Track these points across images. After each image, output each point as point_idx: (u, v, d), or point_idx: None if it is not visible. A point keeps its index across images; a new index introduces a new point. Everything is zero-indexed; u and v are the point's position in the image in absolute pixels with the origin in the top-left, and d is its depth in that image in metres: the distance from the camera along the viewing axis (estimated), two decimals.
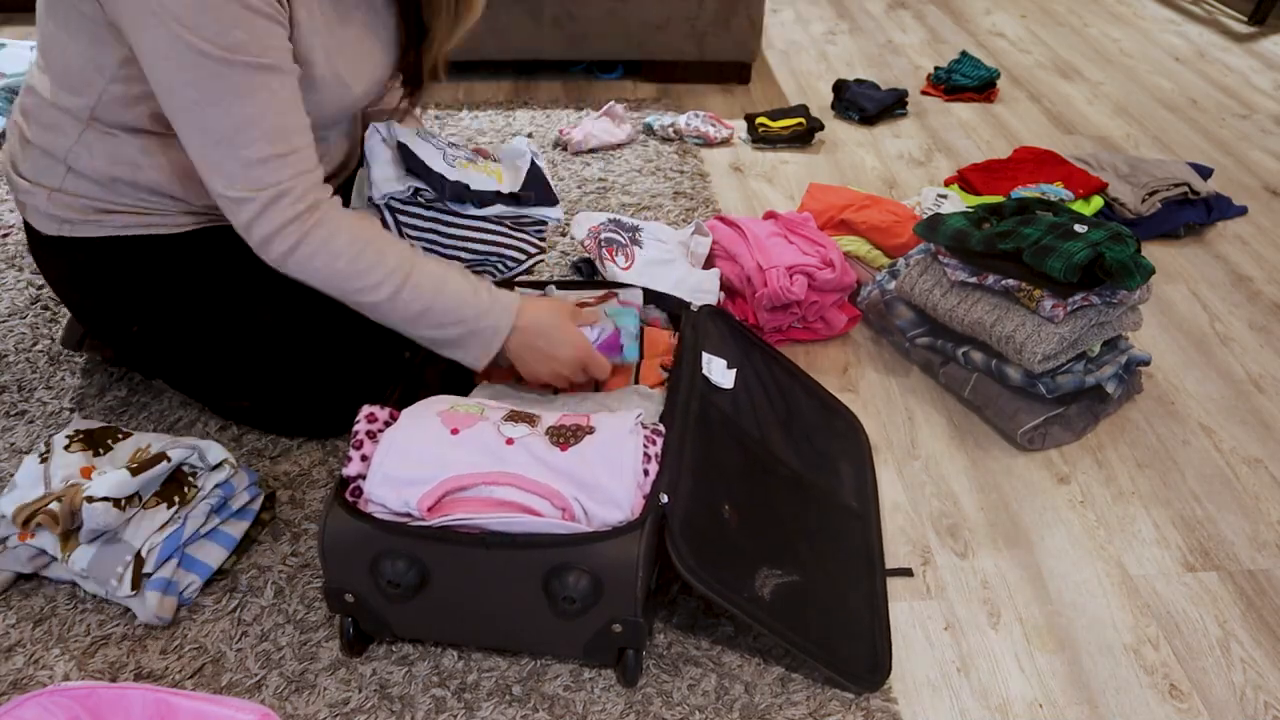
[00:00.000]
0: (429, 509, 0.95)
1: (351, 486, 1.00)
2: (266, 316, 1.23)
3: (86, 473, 1.09)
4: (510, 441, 0.98)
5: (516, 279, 1.36)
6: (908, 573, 1.17)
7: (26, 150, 1.16)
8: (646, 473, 0.99)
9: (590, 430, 0.99)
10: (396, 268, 1.09)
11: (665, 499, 0.97)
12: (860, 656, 1.04)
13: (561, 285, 1.34)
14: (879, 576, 1.15)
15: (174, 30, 0.94)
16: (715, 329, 1.28)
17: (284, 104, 1.03)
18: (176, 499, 1.08)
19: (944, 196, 1.78)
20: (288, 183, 1.03)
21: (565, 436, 0.98)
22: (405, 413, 1.03)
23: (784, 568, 1.07)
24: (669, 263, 1.54)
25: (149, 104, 1.08)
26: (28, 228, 1.22)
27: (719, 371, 1.20)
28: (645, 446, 1.01)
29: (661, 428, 1.05)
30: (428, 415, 1.01)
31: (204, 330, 1.23)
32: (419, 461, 0.96)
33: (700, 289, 1.50)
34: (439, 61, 1.27)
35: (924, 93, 2.51)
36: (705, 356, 1.20)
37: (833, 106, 2.41)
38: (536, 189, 1.35)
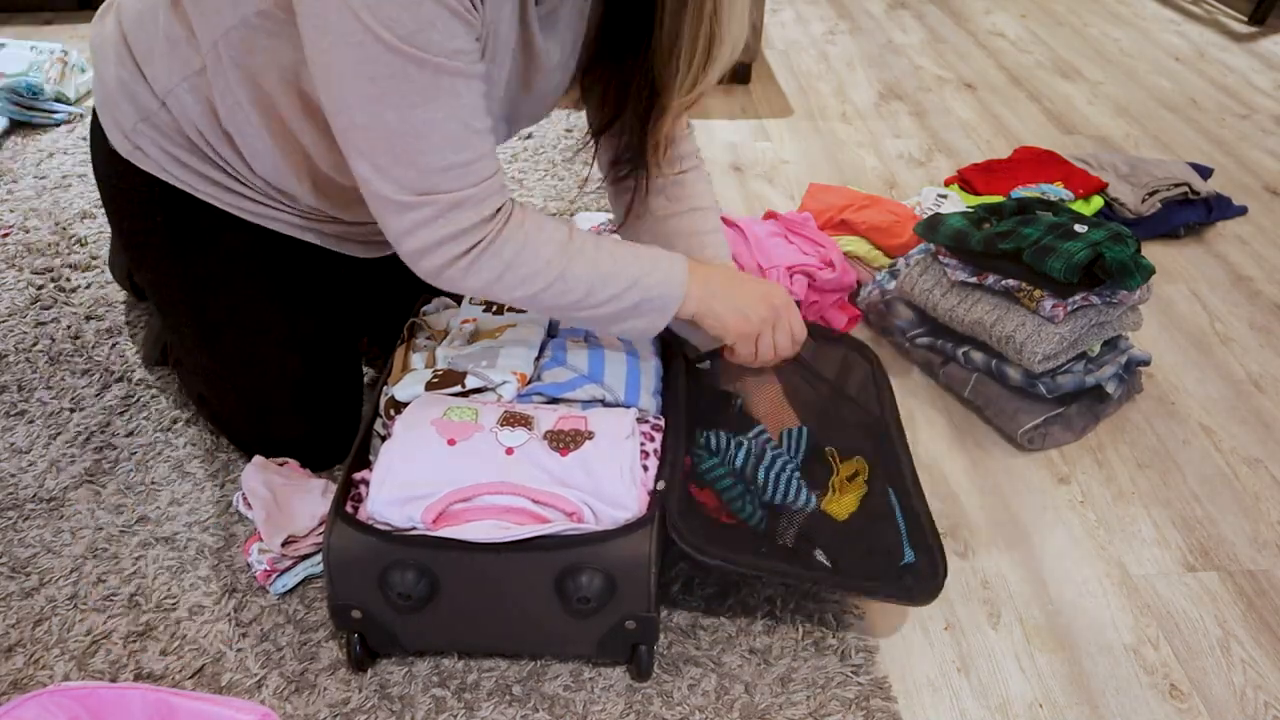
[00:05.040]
0: (433, 520, 0.95)
1: (353, 492, 1.00)
2: (305, 326, 1.22)
3: None
4: (510, 451, 0.97)
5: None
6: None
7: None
8: (646, 468, 1.00)
9: (589, 435, 0.99)
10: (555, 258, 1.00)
11: (661, 484, 0.98)
12: (895, 570, 1.05)
13: None
14: (908, 477, 1.13)
15: (361, 18, 0.83)
16: None
17: (468, 109, 0.92)
18: None
19: (944, 196, 1.78)
20: (469, 190, 0.94)
21: (565, 441, 0.99)
22: (399, 422, 1.01)
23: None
24: None
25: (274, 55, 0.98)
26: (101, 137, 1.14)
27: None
28: (644, 443, 1.02)
29: (660, 421, 1.05)
30: (422, 425, 1.00)
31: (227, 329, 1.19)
32: (419, 478, 0.96)
33: None
34: (663, 136, 1.09)
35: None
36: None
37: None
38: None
